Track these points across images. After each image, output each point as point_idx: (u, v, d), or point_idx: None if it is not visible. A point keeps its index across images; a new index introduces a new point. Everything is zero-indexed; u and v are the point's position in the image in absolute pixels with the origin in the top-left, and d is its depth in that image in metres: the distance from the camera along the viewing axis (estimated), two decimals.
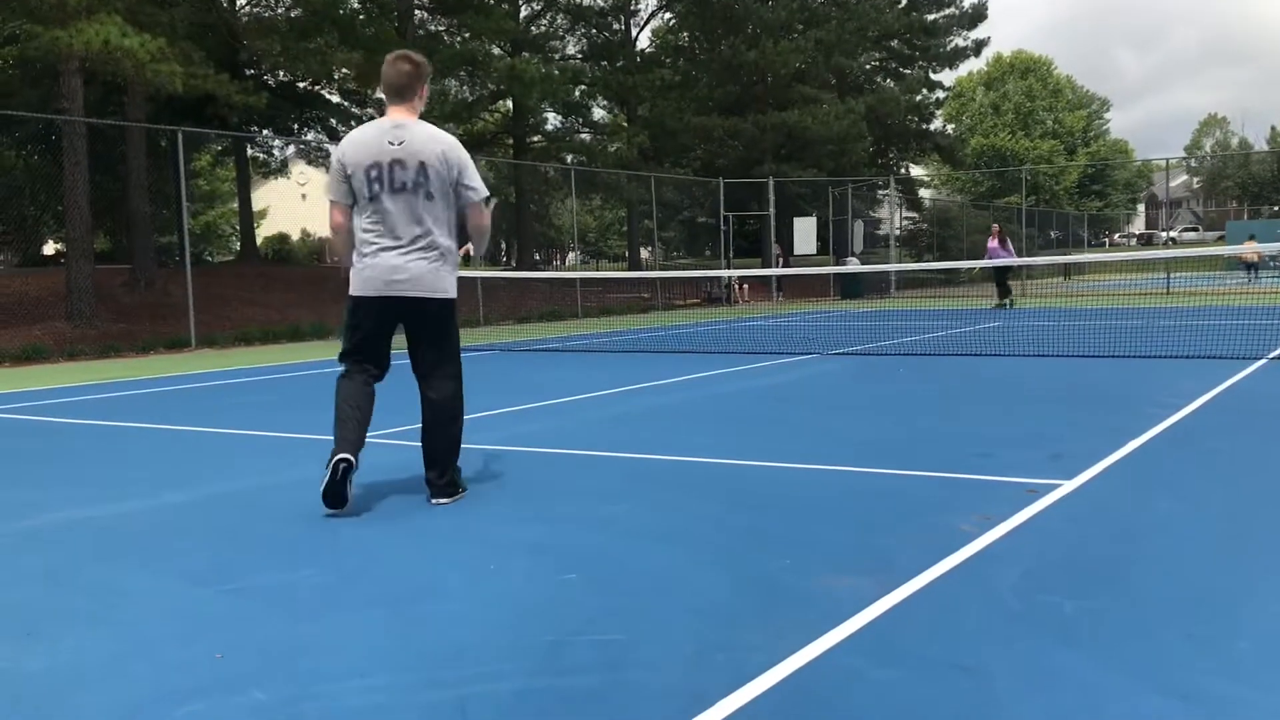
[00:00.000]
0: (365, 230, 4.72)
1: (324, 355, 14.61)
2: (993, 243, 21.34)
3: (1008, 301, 21.42)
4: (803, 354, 12.14)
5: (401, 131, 4.67)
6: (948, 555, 3.68)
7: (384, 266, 4.68)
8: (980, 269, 23.02)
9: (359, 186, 4.68)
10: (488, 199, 4.90)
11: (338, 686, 2.71)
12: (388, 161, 4.63)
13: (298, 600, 3.47)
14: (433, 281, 4.72)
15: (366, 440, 4.75)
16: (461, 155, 4.74)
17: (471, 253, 5.20)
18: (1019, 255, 25.55)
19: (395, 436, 6.64)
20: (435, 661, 2.87)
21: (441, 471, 4.84)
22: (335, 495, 4.57)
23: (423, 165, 4.63)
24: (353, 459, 4.59)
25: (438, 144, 4.68)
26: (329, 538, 4.29)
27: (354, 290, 4.77)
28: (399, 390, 4.97)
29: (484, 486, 5.15)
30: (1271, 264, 30.49)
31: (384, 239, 4.69)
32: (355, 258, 4.78)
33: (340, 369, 4.90)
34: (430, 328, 4.80)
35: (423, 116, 4.85)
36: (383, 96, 4.89)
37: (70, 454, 6.79)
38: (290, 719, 2.52)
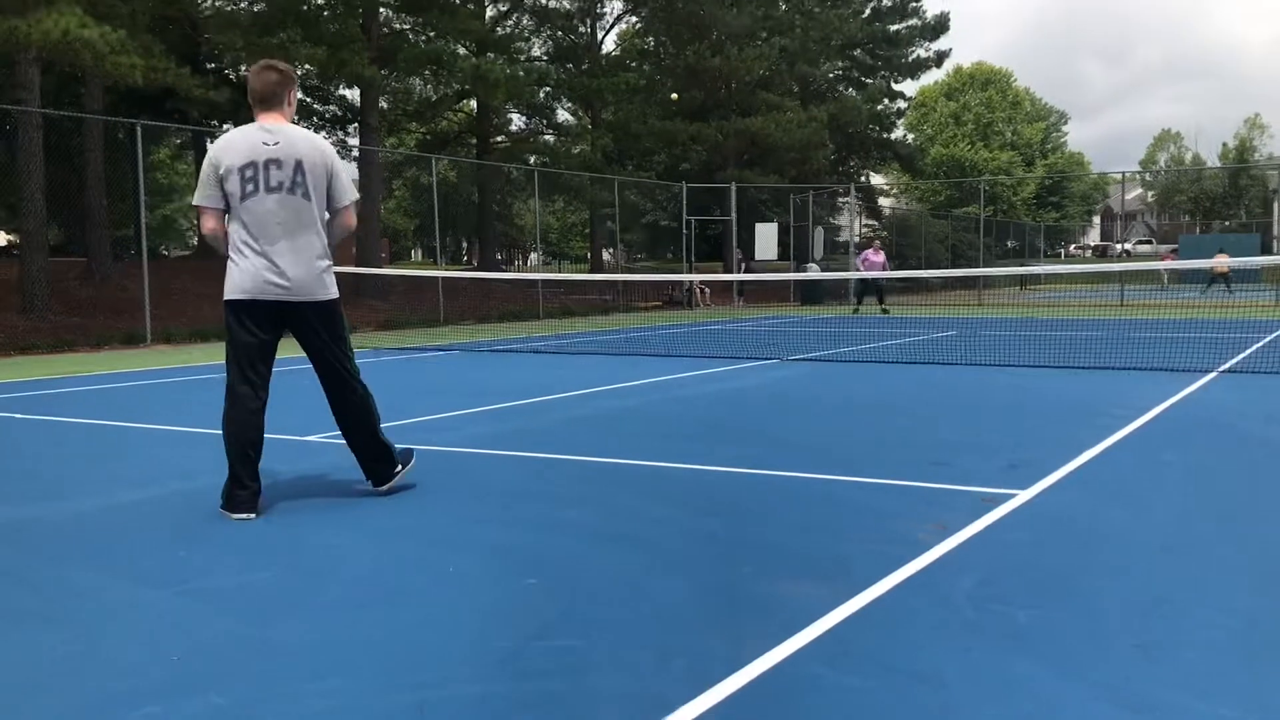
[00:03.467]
0: (242, 231, 4.58)
1: (281, 353, 14.44)
2: (878, 256, 23.73)
3: (869, 309, 23.72)
4: (763, 359, 12.20)
5: (276, 134, 4.59)
6: (905, 563, 3.72)
7: (266, 268, 4.56)
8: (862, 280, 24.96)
9: (233, 188, 4.55)
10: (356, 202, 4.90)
11: (295, 690, 2.70)
12: (263, 161, 4.53)
13: (255, 602, 3.44)
14: (311, 284, 4.65)
15: (322, 441, 4.72)
16: (336, 158, 4.75)
17: None
18: (980, 265, 26.63)
19: None
20: (394, 665, 2.86)
21: (377, 462, 4.93)
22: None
23: (299, 164, 4.57)
24: (253, 512, 4.60)
25: (313, 145, 4.67)
26: (286, 539, 4.25)
27: (229, 294, 4.61)
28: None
29: (443, 488, 5.13)
30: (1229, 281, 30.95)
31: (260, 241, 4.56)
32: (232, 260, 4.63)
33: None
34: (321, 329, 4.73)
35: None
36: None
37: (22, 450, 6.68)
38: None
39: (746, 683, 2.69)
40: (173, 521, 4.59)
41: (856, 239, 38.82)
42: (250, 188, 4.52)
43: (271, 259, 4.56)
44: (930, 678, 2.72)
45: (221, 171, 4.55)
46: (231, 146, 4.58)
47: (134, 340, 16.67)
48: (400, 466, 4.99)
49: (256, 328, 4.64)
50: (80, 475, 5.75)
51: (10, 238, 33.52)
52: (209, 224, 4.67)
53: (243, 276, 4.57)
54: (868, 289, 24.25)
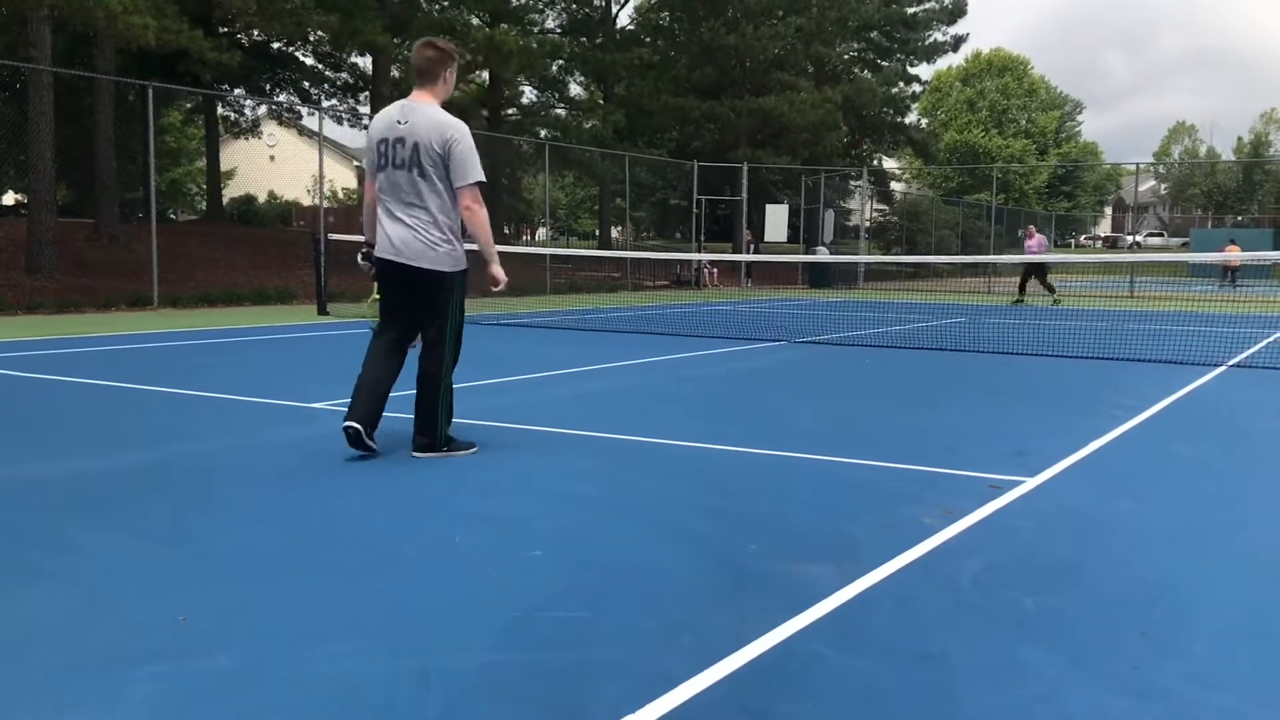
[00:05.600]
0: (382, 197, 5.06)
1: (289, 320, 14.48)
2: (1032, 239, 21.87)
3: (1055, 298, 21.72)
4: (770, 340, 12.18)
5: (409, 113, 4.96)
6: (910, 547, 3.71)
7: (387, 234, 5.02)
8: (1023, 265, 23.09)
9: (374, 158, 5.04)
10: (479, 184, 5.04)
11: (300, 653, 2.70)
12: (393, 139, 4.95)
13: (261, 564, 3.44)
14: (419, 252, 4.97)
15: (329, 409, 4.72)
16: (458, 141, 4.92)
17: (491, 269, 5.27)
18: (990, 252, 26.39)
19: None
20: (398, 631, 2.86)
21: (421, 429, 5.14)
22: (357, 448, 5.01)
23: (416, 146, 4.90)
24: (359, 427, 4.91)
25: (435, 128, 4.91)
26: (294, 503, 4.26)
27: (375, 251, 5.15)
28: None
29: (449, 459, 5.13)
30: (1238, 275, 30.80)
31: (388, 208, 5.01)
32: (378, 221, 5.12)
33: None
34: (422, 296, 5.05)
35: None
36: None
37: (27, 409, 6.69)
38: (253, 683, 2.51)
39: (750, 659, 2.69)
40: (180, 483, 4.60)
41: (867, 223, 38.68)
42: (383, 161, 4.98)
43: (392, 225, 5.00)
44: (935, 660, 2.71)
45: (371, 141, 5.06)
46: (379, 120, 5.08)
47: (141, 303, 16.67)
48: (446, 449, 5.15)
49: (386, 282, 5.12)
50: (87, 436, 5.76)
51: (19, 197, 33.51)
52: (366, 190, 5.19)
53: (380, 238, 5.06)
54: (1029, 275, 22.28)
